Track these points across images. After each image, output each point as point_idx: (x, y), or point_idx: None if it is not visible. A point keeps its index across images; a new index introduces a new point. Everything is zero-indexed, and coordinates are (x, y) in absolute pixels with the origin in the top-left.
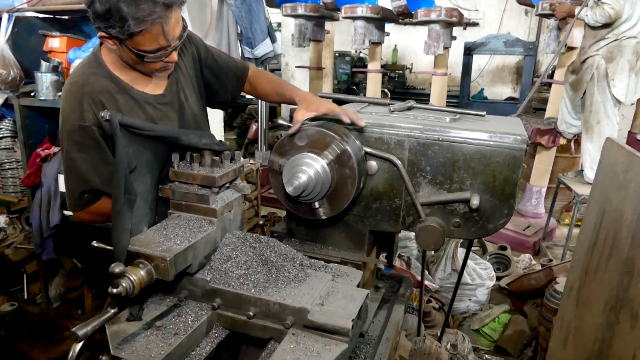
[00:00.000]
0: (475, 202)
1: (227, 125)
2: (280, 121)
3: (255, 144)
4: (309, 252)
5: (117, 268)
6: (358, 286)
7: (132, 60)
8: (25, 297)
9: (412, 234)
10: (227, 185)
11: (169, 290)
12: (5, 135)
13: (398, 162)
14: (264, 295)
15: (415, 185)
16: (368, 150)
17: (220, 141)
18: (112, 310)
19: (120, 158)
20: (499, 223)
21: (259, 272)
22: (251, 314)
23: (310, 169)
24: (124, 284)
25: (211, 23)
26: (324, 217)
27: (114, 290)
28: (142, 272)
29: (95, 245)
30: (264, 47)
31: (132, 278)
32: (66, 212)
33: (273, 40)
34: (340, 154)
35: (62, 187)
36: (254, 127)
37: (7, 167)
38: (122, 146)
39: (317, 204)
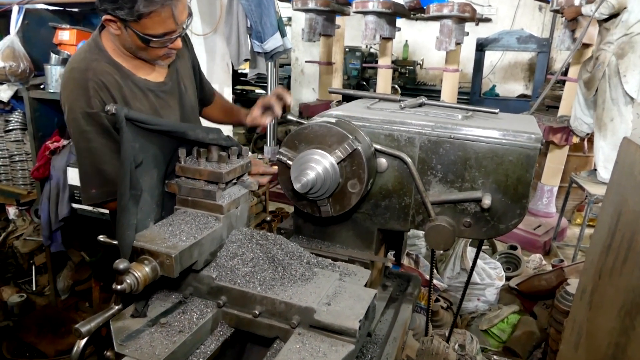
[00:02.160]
0: (487, 201)
1: None
2: (289, 117)
3: (264, 138)
4: (316, 250)
5: (121, 264)
6: (366, 285)
7: (135, 46)
8: (34, 289)
9: (421, 232)
10: (234, 181)
11: (174, 286)
12: (15, 127)
13: (408, 160)
14: (270, 294)
15: (425, 184)
16: (378, 147)
17: (228, 136)
18: (116, 307)
19: (126, 153)
20: (511, 223)
21: (265, 270)
22: (257, 312)
23: (318, 165)
24: (128, 281)
25: (220, 17)
26: (333, 215)
27: (118, 287)
28: (147, 269)
29: (102, 239)
30: (273, 42)
31: (136, 274)
32: (75, 205)
33: (283, 35)
34: (350, 151)
35: (70, 180)
36: None
37: (17, 159)
38: (128, 141)
39: (324, 202)
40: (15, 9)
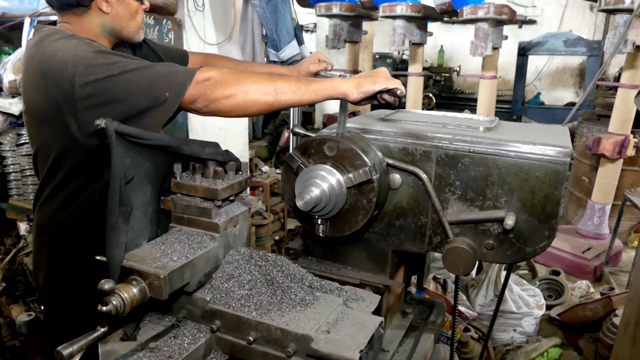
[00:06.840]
0: (509, 222)
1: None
2: (296, 129)
3: (287, 151)
4: (325, 272)
5: (106, 285)
6: (376, 312)
7: (128, 13)
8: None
9: None
10: (232, 198)
11: (167, 309)
12: (27, 141)
13: (424, 176)
14: (265, 319)
15: (443, 202)
16: (391, 162)
17: (226, 151)
18: (102, 330)
19: (116, 168)
20: (539, 246)
21: (262, 294)
22: (251, 339)
23: (324, 182)
24: (114, 302)
25: (235, 24)
26: (327, 235)
27: (104, 308)
28: (135, 290)
29: (98, 258)
30: (290, 50)
31: (123, 296)
32: None
33: (300, 43)
34: (364, 180)
35: None
36: (285, 134)
37: (28, 173)
38: (118, 156)
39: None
40: (27, 21)
